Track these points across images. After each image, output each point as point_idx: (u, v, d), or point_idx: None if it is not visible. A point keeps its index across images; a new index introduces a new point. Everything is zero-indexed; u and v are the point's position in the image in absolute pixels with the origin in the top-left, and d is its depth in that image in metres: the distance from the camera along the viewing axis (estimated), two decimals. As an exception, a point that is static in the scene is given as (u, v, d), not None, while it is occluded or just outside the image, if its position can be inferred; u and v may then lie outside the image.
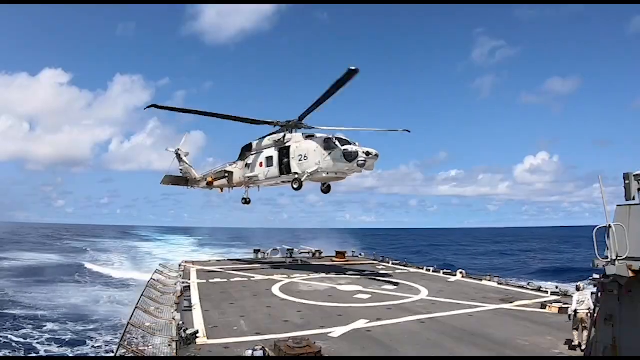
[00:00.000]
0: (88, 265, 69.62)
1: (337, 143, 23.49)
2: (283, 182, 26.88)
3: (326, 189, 27.23)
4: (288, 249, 39.81)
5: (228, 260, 38.34)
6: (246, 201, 30.50)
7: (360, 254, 40.50)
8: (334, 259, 36.83)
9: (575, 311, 12.13)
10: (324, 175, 24.22)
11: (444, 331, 14.15)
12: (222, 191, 31.90)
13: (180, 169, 34.29)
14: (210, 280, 24.96)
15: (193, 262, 34.28)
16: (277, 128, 26.85)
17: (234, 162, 29.83)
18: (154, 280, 23.78)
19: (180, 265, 31.43)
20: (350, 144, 23.38)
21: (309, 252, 39.87)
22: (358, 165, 22.77)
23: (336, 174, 24.06)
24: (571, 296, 19.26)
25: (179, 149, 34.36)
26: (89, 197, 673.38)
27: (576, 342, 12.09)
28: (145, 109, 24.63)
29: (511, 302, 18.56)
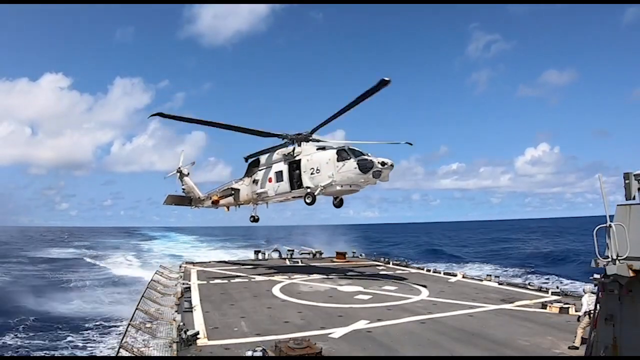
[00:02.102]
0: (91, 262, 69.98)
1: (350, 154, 22.89)
2: (294, 197, 25.99)
3: (338, 203, 26.41)
4: (288, 250, 39.80)
5: (228, 261, 38.33)
6: (254, 219, 29.52)
7: (361, 255, 40.50)
8: (335, 259, 36.85)
9: (589, 312, 12.14)
10: (338, 188, 23.50)
11: (445, 331, 14.14)
12: (228, 209, 31.00)
13: (183, 188, 33.31)
14: (211, 281, 24.95)
15: (193, 263, 34.29)
16: (284, 141, 25.97)
17: (240, 179, 28.98)
18: (154, 281, 23.79)
19: (180, 266, 31.44)
20: (363, 154, 22.78)
21: (309, 253, 39.86)
22: (373, 177, 22.22)
23: (350, 186, 23.36)
24: (572, 296, 19.37)
25: (180, 168, 33.46)
26: (92, 200, 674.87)
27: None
28: (149, 116, 23.54)
29: (512, 302, 18.55)
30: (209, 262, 36.62)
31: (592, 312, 11.71)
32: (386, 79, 19.68)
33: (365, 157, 22.56)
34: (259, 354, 10.68)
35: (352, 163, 22.61)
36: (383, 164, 22.13)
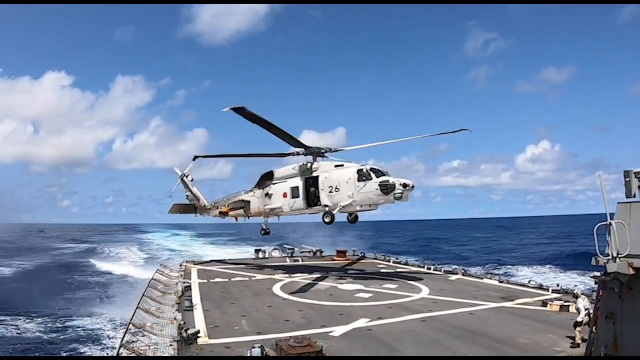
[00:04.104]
0: (90, 259, 70.15)
1: (371, 174, 22.47)
2: (310, 214, 25.53)
3: (353, 219, 25.95)
4: (289, 249, 39.78)
5: (229, 259, 38.35)
6: (265, 232, 28.84)
7: (362, 253, 40.50)
8: (335, 258, 36.83)
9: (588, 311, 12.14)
10: (358, 208, 23.30)
11: (445, 330, 14.15)
12: (236, 220, 30.34)
13: (187, 196, 32.66)
14: (211, 280, 24.98)
15: (194, 262, 34.31)
16: (296, 150, 25.17)
17: (251, 190, 28.15)
18: (154, 280, 23.81)
19: (181, 265, 31.47)
20: (383, 174, 22.53)
21: (309, 251, 39.87)
22: (394, 198, 21.94)
23: (370, 206, 23.14)
24: (572, 294, 19.34)
25: (184, 174, 32.53)
26: (94, 197, 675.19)
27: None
28: (225, 110, 19.83)
29: (512, 301, 18.55)
30: (210, 261, 36.64)
31: (591, 310, 11.73)
32: (468, 129, 23.93)
33: (387, 178, 22.16)
34: (257, 351, 10.67)
35: (373, 184, 22.19)
36: (405, 185, 21.77)
